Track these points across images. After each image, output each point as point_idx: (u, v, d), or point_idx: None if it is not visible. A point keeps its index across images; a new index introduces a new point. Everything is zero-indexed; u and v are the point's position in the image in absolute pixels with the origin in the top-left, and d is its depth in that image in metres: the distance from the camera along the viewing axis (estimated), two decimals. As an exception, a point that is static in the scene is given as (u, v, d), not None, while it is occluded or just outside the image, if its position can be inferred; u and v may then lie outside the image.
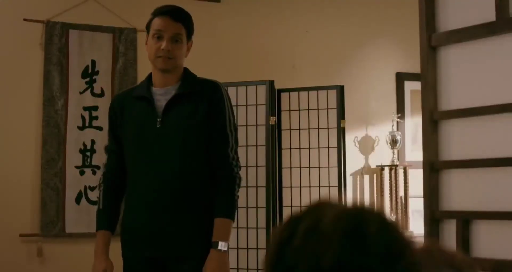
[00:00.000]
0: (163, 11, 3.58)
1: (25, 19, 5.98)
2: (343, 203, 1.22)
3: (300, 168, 6.34)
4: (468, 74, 3.69)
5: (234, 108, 6.06)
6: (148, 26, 3.61)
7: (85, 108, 6.10)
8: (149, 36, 3.58)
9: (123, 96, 3.75)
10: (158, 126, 3.52)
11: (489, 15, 3.54)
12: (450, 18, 3.74)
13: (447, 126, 3.78)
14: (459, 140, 3.73)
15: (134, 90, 3.71)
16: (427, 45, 3.79)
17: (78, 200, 6.04)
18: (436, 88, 3.80)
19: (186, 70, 3.67)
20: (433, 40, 3.77)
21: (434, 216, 3.82)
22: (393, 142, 6.98)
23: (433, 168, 3.79)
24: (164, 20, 3.53)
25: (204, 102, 3.54)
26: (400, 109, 7.26)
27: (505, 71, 3.53)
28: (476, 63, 3.65)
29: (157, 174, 3.50)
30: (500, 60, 3.55)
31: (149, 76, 3.68)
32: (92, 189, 6.03)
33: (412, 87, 7.20)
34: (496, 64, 3.57)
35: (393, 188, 6.91)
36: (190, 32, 3.63)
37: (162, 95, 3.58)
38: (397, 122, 7.11)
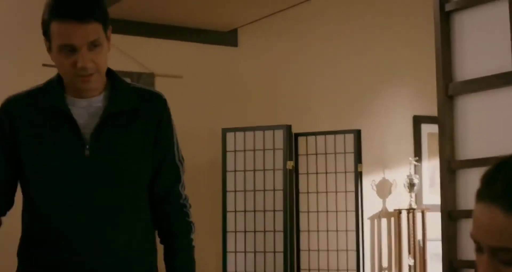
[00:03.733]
0: (64, 13, 2.48)
1: (44, 65, 6.03)
2: None
3: (317, 212, 6.33)
4: (485, 124, 3.69)
5: (252, 152, 6.13)
6: (45, 31, 2.54)
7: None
8: (51, 46, 2.54)
9: (21, 102, 2.66)
10: (86, 156, 2.56)
11: (506, 65, 3.55)
12: (467, 68, 3.76)
13: (465, 175, 3.77)
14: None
15: (38, 96, 2.64)
16: (444, 94, 3.81)
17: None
18: (454, 137, 3.80)
19: (110, 72, 2.68)
20: (450, 90, 3.78)
21: (452, 265, 3.81)
22: (411, 185, 6.97)
23: (451, 217, 3.79)
24: (70, 27, 2.46)
25: (148, 123, 2.66)
26: (417, 152, 7.25)
27: (522, 121, 3.53)
28: (493, 113, 3.66)
29: (82, 225, 2.57)
30: (517, 110, 3.56)
31: (59, 79, 2.65)
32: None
33: (429, 130, 7.21)
34: (513, 113, 3.58)
35: (411, 232, 6.88)
36: (106, 22, 2.56)
37: (84, 109, 2.61)
38: (415, 165, 7.10)
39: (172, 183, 2.73)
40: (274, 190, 6.07)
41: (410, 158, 7.10)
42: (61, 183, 2.57)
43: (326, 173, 6.33)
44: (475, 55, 3.74)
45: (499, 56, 3.60)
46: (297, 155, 6.34)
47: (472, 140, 3.75)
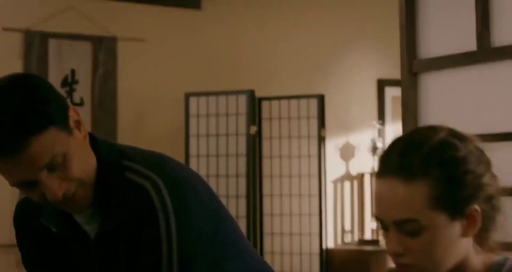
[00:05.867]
0: None
1: (4, 28, 5.92)
2: None
3: (280, 176, 6.34)
4: (448, 102, 3.69)
5: (215, 118, 6.09)
6: None
7: (64, 117, 6.02)
8: None
9: (29, 215, 1.89)
10: None
11: (470, 45, 3.53)
12: (432, 45, 3.74)
13: (427, 153, 3.77)
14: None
15: (38, 208, 1.83)
16: (408, 72, 3.78)
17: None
18: (417, 114, 3.79)
19: (99, 159, 1.77)
20: (414, 67, 3.76)
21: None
22: (374, 149, 6.97)
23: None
24: (5, 164, 1.62)
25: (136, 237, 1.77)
26: (381, 116, 7.25)
27: (485, 100, 3.53)
28: (456, 90, 3.65)
29: None
30: (480, 88, 3.55)
31: None
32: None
33: (393, 93, 7.19)
34: (476, 92, 3.57)
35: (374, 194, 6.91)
36: (62, 120, 1.67)
37: (88, 225, 1.82)
38: (378, 128, 7.10)
39: None
40: (237, 154, 6.05)
41: (374, 122, 7.09)
42: None
43: (290, 137, 6.32)
44: (440, 32, 3.72)
45: (464, 34, 3.58)
46: (260, 120, 6.31)
47: (435, 117, 3.74)
